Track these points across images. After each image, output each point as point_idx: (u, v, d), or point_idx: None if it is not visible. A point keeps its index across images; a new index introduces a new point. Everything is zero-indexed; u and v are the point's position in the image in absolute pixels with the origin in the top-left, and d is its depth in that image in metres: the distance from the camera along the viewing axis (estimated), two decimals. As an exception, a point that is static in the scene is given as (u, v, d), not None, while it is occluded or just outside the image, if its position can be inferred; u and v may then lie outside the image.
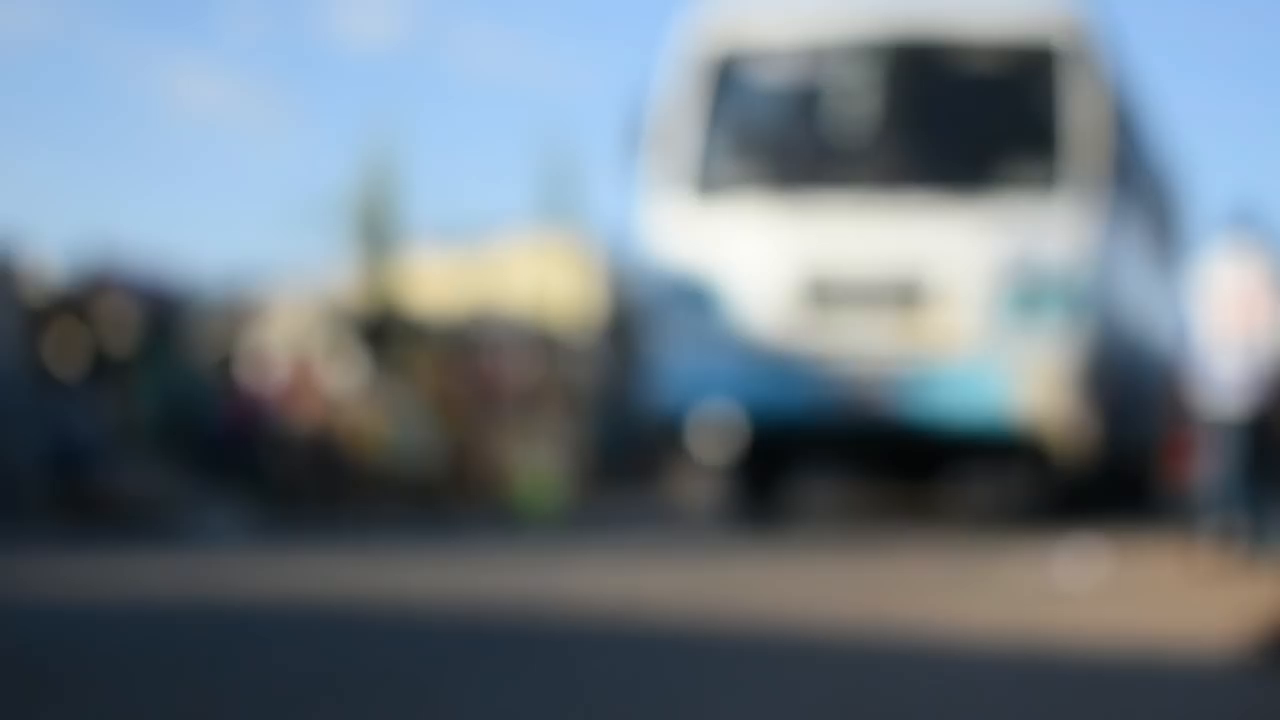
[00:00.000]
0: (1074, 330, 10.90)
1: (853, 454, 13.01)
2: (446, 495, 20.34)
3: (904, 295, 10.80)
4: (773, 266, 11.34)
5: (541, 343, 23.37)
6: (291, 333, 21.15)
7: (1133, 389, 13.85)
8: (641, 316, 16.58)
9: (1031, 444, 11.07)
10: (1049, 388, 10.60)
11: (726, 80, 12.55)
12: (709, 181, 12.02)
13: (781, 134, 12.63)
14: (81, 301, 23.79)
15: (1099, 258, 11.29)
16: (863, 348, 10.92)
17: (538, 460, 19.67)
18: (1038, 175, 10.97)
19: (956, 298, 10.92)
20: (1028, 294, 10.66)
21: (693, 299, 11.44)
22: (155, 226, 65.76)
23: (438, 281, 27.90)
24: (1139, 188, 14.87)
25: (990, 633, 5.79)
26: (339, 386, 21.01)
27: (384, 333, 23.55)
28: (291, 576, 7.33)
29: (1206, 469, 11.31)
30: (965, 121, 12.45)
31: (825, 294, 11.10)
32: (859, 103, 12.28)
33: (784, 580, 8.56)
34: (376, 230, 26.30)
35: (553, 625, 6.05)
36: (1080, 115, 10.98)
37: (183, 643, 5.45)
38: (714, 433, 11.87)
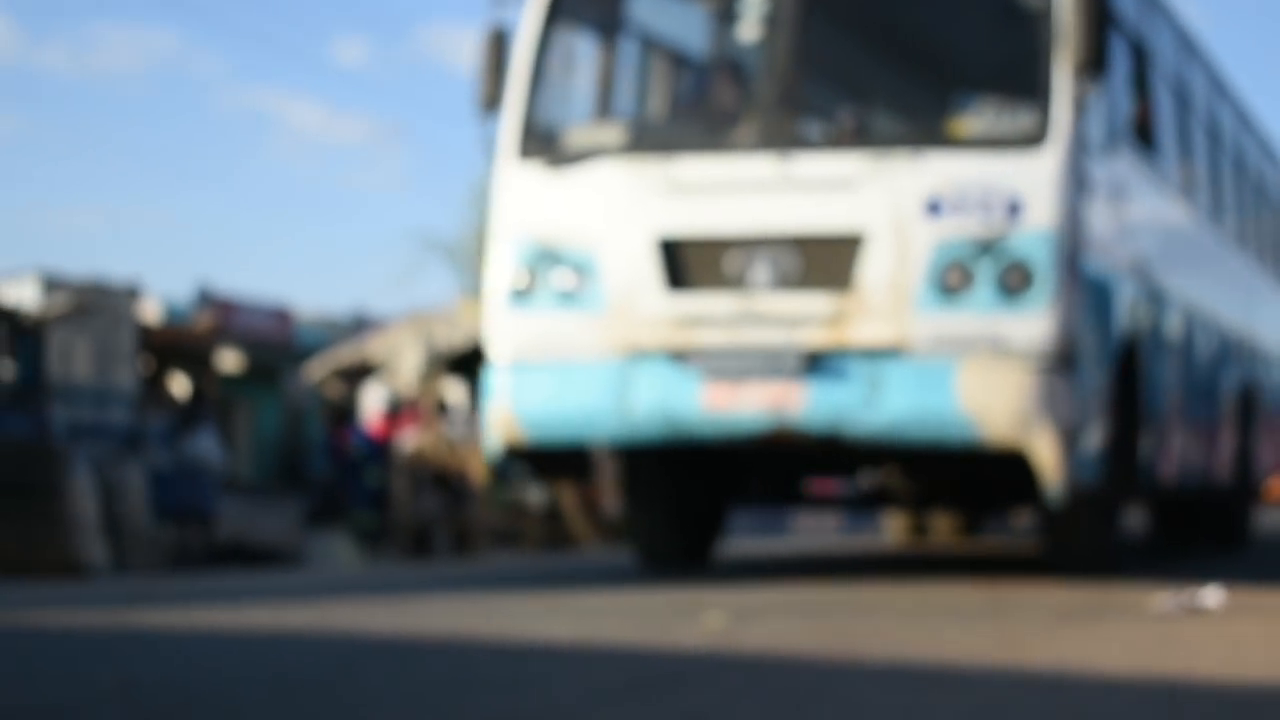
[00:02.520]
0: (1052, 322, 8.29)
1: (765, 474, 10.58)
2: (570, 535, 20.12)
3: (818, 277, 8.54)
4: (641, 247, 8.79)
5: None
6: (407, 374, 21.21)
7: (1197, 408, 11.91)
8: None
9: (996, 465, 8.67)
10: (1012, 393, 8.23)
11: (575, 17, 9.65)
12: (558, 145, 9.17)
13: (649, 84, 10.08)
14: (197, 341, 24.30)
15: (1099, 231, 8.89)
16: (764, 344, 8.48)
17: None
18: (1000, 121, 8.49)
19: (884, 277, 8.42)
20: (985, 271, 8.34)
21: (540, 291, 8.97)
22: (271, 268, 66.66)
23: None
24: (1199, 149, 12.31)
25: (1122, 668, 5.67)
26: (455, 427, 21.06)
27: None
28: (419, 615, 7.20)
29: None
30: (887, 58, 10.13)
31: (714, 280, 8.63)
32: (743, 42, 9.63)
33: (903, 611, 7.71)
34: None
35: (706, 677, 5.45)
36: (1054, 38, 8.50)
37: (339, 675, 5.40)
38: (573, 458, 9.22)
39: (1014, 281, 8.52)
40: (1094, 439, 8.97)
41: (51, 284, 25.09)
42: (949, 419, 8.47)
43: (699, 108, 9.74)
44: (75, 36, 72.47)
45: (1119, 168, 9.61)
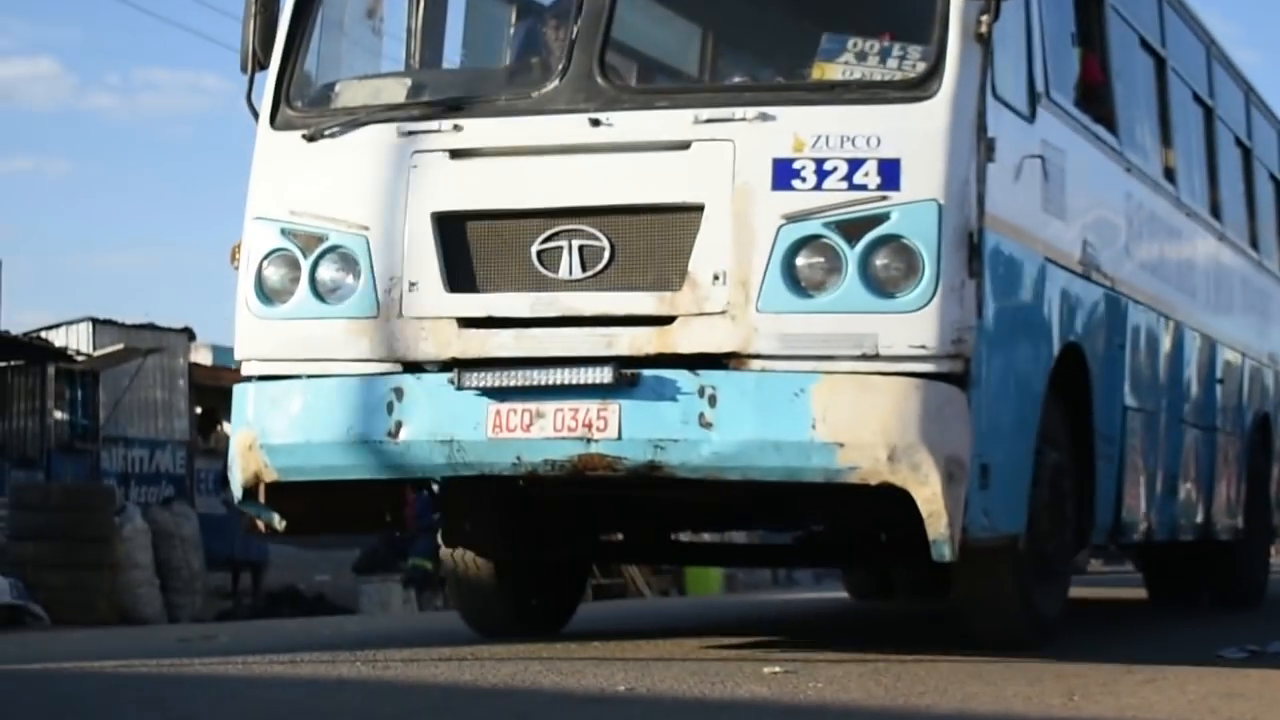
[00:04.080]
0: (939, 320, 6.23)
1: (627, 522, 8.50)
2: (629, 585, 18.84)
3: (639, 267, 6.47)
4: (419, 232, 6.70)
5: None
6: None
7: (1188, 439, 9.64)
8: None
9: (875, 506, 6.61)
10: (884, 413, 6.17)
11: None
12: (325, 109, 7.11)
13: (442, 36, 7.69)
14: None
15: (1020, 210, 6.89)
16: (569, 352, 6.43)
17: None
18: (875, 66, 6.53)
19: (722, 266, 6.35)
20: (853, 256, 6.25)
21: (296, 289, 6.86)
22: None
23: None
24: (1190, 128, 10.08)
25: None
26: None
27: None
28: (476, 666, 6.68)
29: None
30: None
31: (508, 272, 6.61)
32: None
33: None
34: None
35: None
36: None
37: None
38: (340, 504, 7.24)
39: (890, 268, 6.37)
40: (1008, 474, 6.86)
41: (103, 328, 24.23)
42: (802, 447, 6.30)
43: (498, 60, 7.66)
44: (125, 80, 72.68)
45: (1056, 135, 7.44)
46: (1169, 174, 9.56)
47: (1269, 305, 12.20)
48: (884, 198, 6.41)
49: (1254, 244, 11.81)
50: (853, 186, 6.44)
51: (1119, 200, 8.52)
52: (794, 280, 6.46)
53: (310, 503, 7.21)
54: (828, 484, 6.41)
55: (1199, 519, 10.19)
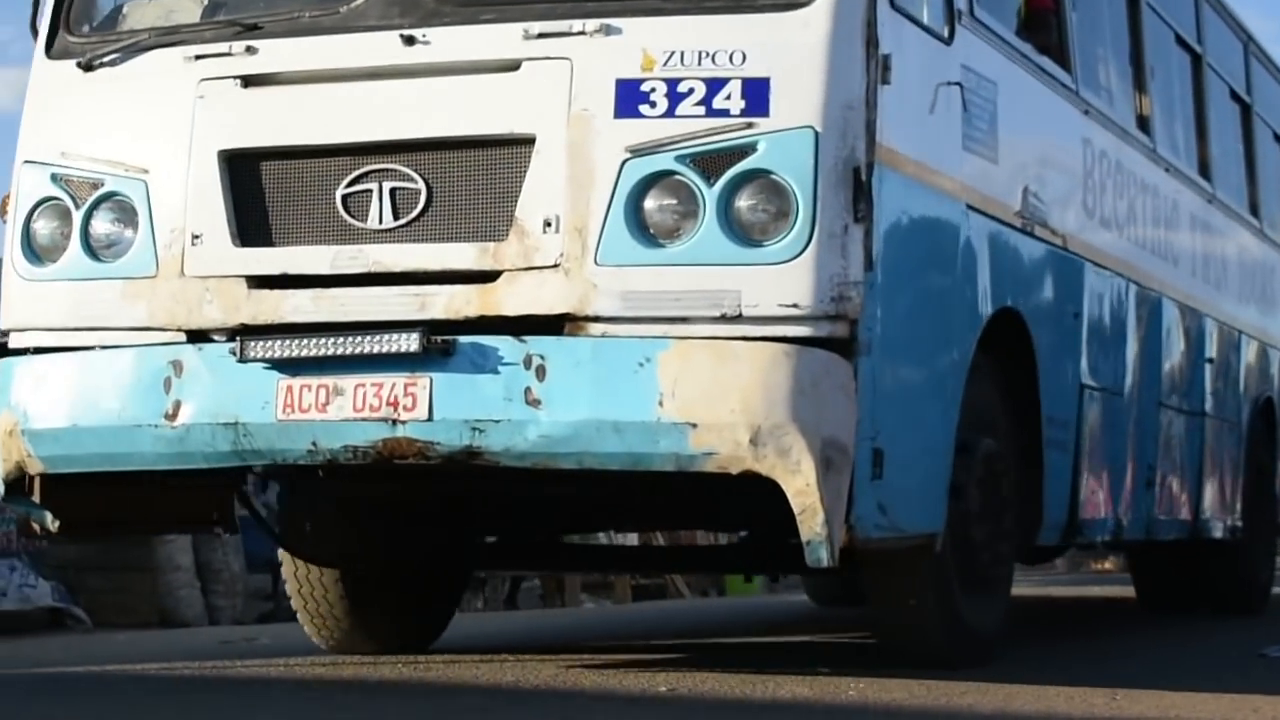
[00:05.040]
0: (815, 272, 5.05)
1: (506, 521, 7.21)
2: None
3: (458, 213, 5.31)
4: (205, 176, 5.51)
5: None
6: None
7: (1169, 426, 8.37)
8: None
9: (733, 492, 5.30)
10: (745, 387, 4.97)
11: None
12: (106, 35, 5.91)
13: None
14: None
15: (933, 146, 5.74)
16: (374, 317, 5.28)
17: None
18: None
19: (555, 210, 5.19)
20: (711, 196, 5.11)
21: (67, 244, 5.70)
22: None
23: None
24: (1171, 75, 8.89)
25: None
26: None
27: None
28: (515, 667, 6.60)
29: None
30: None
31: (305, 220, 5.44)
32: None
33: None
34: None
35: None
36: None
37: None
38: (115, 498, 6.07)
39: (757, 210, 5.15)
40: (915, 462, 5.65)
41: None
42: (647, 428, 5.06)
43: None
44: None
45: (984, 63, 6.19)
46: (1143, 123, 8.30)
47: (1273, 278, 10.91)
48: (749, 125, 5.20)
49: (1254, 210, 10.51)
50: (712, 112, 5.23)
51: (1073, 147, 7.26)
52: (640, 226, 5.27)
53: (93, 498, 6.04)
54: (680, 473, 5.21)
55: (1186, 516, 8.92)
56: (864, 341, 5.26)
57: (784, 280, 5.15)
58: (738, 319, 5.15)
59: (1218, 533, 9.45)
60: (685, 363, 5.09)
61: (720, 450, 5.08)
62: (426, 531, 7.04)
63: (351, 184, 5.48)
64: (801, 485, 5.06)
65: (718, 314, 5.16)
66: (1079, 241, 7.19)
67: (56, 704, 5.60)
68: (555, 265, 5.26)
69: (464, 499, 6.80)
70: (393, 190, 5.44)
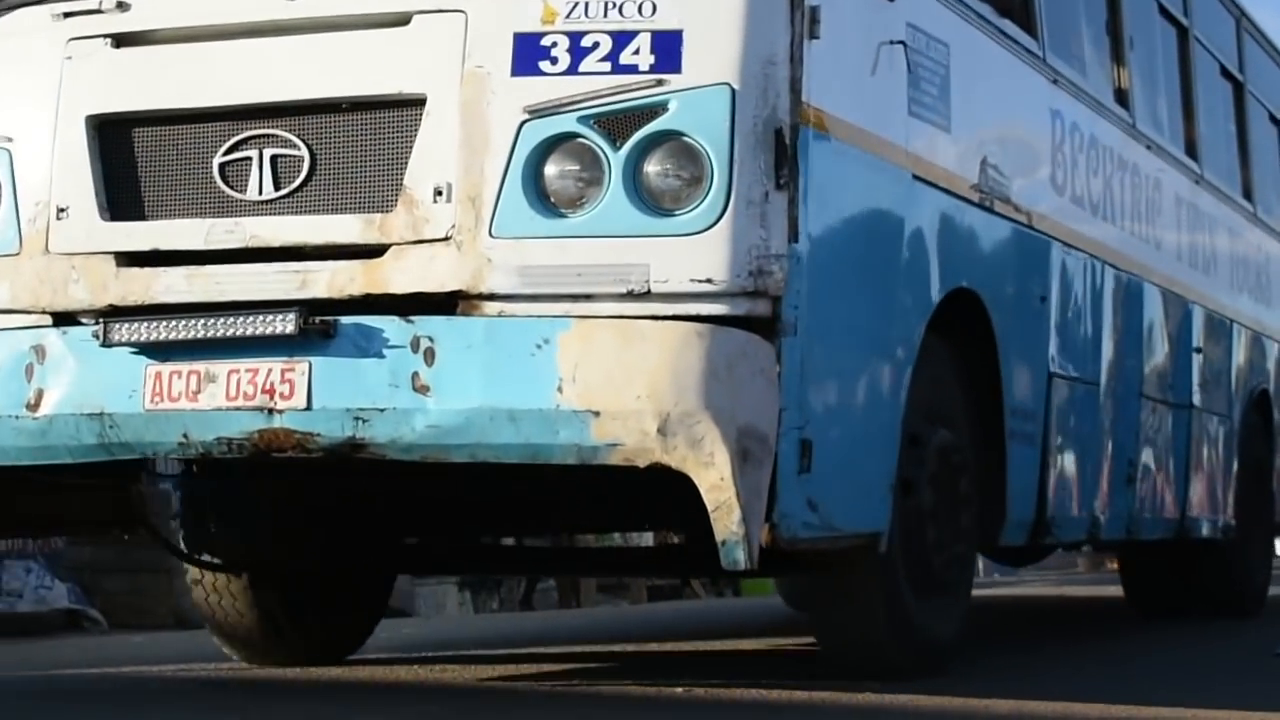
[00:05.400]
0: (732, 244, 4.56)
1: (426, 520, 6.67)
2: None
3: (342, 182, 4.81)
4: (72, 142, 5.03)
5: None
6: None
7: (1150, 416, 7.80)
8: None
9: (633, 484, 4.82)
10: (652, 371, 4.48)
11: None
12: None
13: None
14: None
15: (872, 109, 5.18)
16: (249, 296, 4.81)
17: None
18: None
19: (446, 177, 4.69)
20: (618, 162, 4.62)
21: None
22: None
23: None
24: (1153, 41, 8.26)
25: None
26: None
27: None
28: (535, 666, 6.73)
29: None
30: None
31: (177, 191, 4.92)
32: None
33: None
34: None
35: None
36: None
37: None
38: None
39: (667, 176, 4.64)
40: (852, 454, 5.14)
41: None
42: (545, 417, 4.55)
43: None
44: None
45: (933, 22, 5.66)
46: (1121, 97, 7.78)
47: (1269, 265, 10.36)
48: (659, 82, 4.68)
49: (1247, 194, 9.97)
50: (618, 68, 4.71)
51: (1040, 118, 6.74)
52: (540, 195, 4.76)
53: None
54: (581, 463, 4.70)
55: (1172, 515, 8.39)
56: (789, 321, 4.74)
57: (697, 253, 4.64)
58: (646, 296, 4.64)
59: (1208, 532, 8.92)
60: (587, 344, 4.58)
61: (625, 441, 4.57)
62: (340, 534, 6.54)
63: (229, 151, 4.98)
64: (715, 479, 4.54)
65: (624, 290, 4.65)
66: (1046, 220, 6.67)
67: (72, 706, 5.52)
68: (446, 238, 4.76)
69: (377, 498, 6.32)
70: (274, 158, 4.94)
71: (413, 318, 4.70)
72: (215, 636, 6.53)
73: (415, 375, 4.67)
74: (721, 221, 4.64)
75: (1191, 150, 8.81)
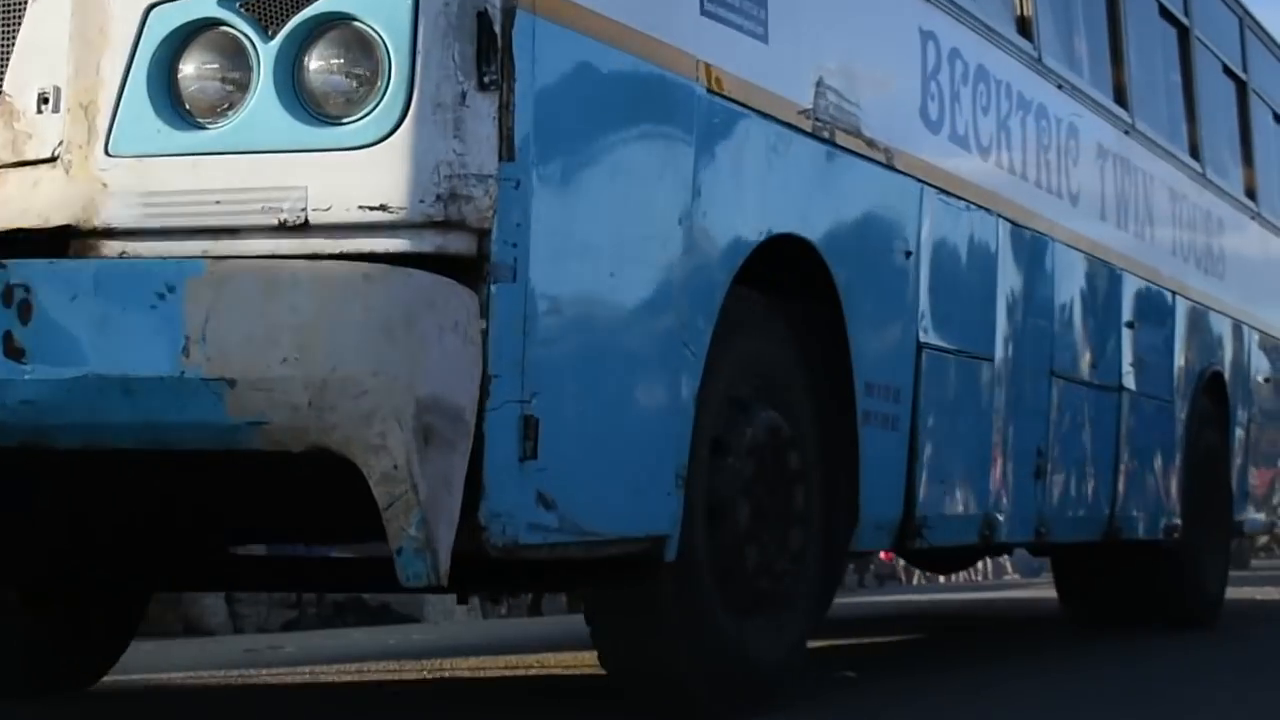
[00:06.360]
0: (412, 158, 3.50)
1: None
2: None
3: None
4: None
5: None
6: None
7: (1068, 400, 6.81)
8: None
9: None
10: (308, 328, 3.42)
11: None
12: None
13: None
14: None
15: None
16: None
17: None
18: None
19: (53, 80, 3.68)
20: (271, 56, 3.57)
21: None
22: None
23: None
24: None
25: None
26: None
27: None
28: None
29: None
30: None
31: None
32: None
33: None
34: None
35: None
36: None
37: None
38: None
39: (333, 74, 3.55)
40: (610, 434, 4.02)
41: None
42: (168, 387, 3.44)
43: None
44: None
45: None
46: (1023, 25, 6.64)
47: (1222, 231, 9.19)
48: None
49: (1194, 152, 8.81)
50: None
51: (904, 39, 5.60)
52: (172, 100, 3.65)
53: None
54: (215, 447, 3.58)
55: (1099, 514, 7.26)
56: (502, 263, 3.63)
57: (367, 171, 3.52)
58: (302, 228, 3.53)
59: (1146, 532, 7.77)
60: (221, 293, 3.45)
61: (271, 418, 3.44)
62: (65, 544, 5.40)
63: None
64: (388, 467, 3.41)
65: (274, 222, 3.54)
66: (914, 160, 5.53)
67: (81, 714, 5.32)
68: (53, 159, 3.66)
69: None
70: None
71: (6, 261, 3.57)
72: None
73: (8, 336, 3.54)
74: (400, 130, 3.52)
75: (1120, 95, 7.66)
